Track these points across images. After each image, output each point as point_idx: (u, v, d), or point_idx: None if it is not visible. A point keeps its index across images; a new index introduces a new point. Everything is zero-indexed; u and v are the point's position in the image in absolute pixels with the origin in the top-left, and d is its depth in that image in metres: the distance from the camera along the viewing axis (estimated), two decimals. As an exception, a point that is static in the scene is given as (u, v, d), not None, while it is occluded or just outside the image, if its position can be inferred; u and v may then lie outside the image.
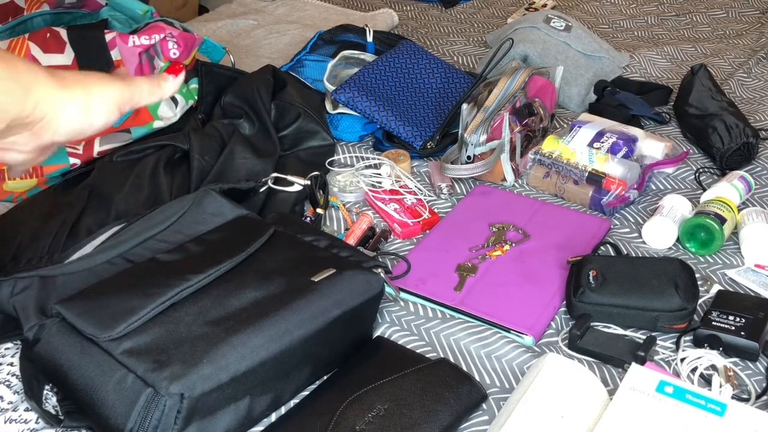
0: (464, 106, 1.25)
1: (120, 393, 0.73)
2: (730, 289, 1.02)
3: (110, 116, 0.63)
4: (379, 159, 1.26)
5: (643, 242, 1.12)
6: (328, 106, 1.40)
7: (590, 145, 1.23)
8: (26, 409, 0.81)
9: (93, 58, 1.23)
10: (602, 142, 1.24)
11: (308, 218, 1.15)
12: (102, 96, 0.62)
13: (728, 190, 1.16)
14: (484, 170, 1.21)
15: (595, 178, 1.18)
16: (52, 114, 0.58)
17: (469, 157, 1.22)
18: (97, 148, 1.22)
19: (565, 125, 1.40)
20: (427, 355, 0.91)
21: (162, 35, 1.25)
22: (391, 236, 1.14)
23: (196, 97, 1.34)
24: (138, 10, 1.32)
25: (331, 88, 1.38)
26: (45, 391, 0.83)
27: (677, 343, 0.93)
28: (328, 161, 1.29)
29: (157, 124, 1.28)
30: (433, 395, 0.82)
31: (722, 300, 0.95)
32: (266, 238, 0.93)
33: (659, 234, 1.10)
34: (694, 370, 0.89)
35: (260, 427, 0.82)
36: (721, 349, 0.90)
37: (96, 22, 1.32)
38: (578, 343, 0.92)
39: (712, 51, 1.73)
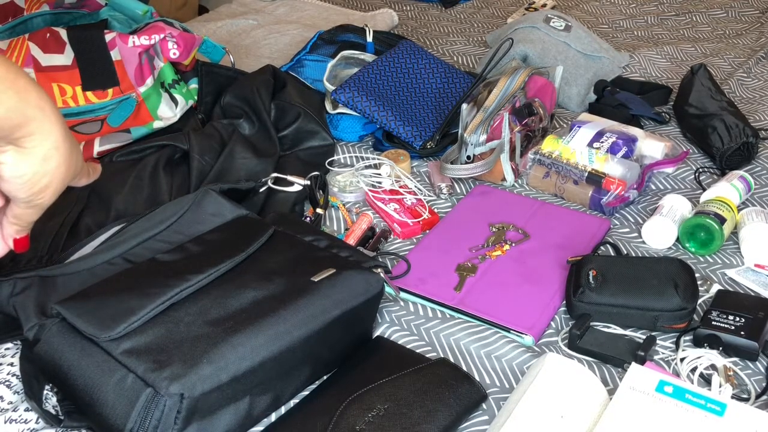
0: (464, 106, 1.25)
1: (120, 393, 0.73)
2: (730, 289, 1.02)
3: (68, 172, 0.60)
4: (378, 159, 1.26)
5: (643, 242, 1.12)
6: (328, 106, 1.40)
7: (590, 144, 1.23)
8: (26, 409, 0.81)
9: (93, 58, 1.23)
10: (602, 142, 1.24)
11: (308, 218, 1.15)
12: (75, 145, 0.61)
13: (728, 189, 1.16)
14: (483, 170, 1.21)
15: (595, 178, 1.18)
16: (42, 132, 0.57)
17: (468, 157, 1.22)
18: (97, 148, 1.22)
19: (565, 125, 1.41)
20: (427, 355, 0.91)
21: (162, 35, 1.25)
22: (391, 236, 1.14)
23: (195, 98, 1.34)
24: (138, 10, 1.32)
25: (330, 88, 1.38)
26: (45, 391, 0.83)
27: (677, 343, 0.93)
28: (327, 161, 1.29)
29: (157, 124, 1.28)
30: (432, 395, 0.82)
31: (722, 300, 0.95)
32: (266, 238, 0.93)
33: (659, 234, 1.10)
34: (693, 369, 0.89)
35: (260, 427, 0.82)
36: (720, 348, 0.90)
37: (96, 23, 1.32)
38: (578, 342, 0.92)
39: (711, 51, 1.73)
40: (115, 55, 1.23)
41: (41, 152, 0.58)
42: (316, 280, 0.86)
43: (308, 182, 1.18)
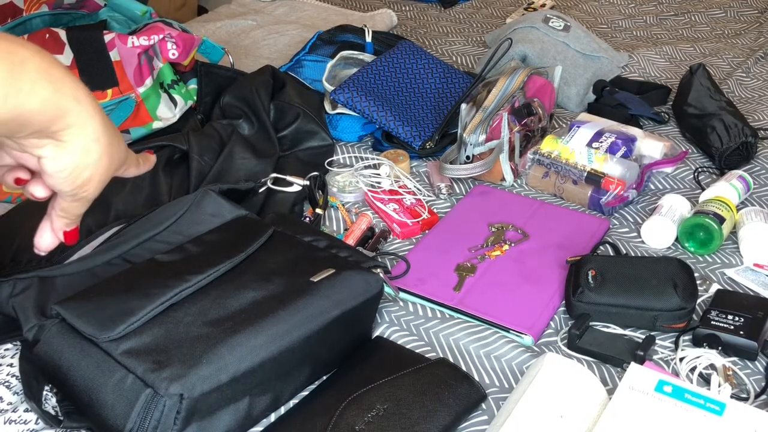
0: (463, 105, 1.25)
1: (119, 393, 0.73)
2: (729, 289, 1.02)
3: (111, 164, 0.60)
4: (378, 159, 1.26)
5: (642, 242, 1.12)
6: (327, 107, 1.40)
7: (589, 144, 1.23)
8: (26, 410, 0.81)
9: (92, 59, 1.23)
10: (601, 142, 1.24)
11: (307, 218, 1.15)
12: (116, 135, 0.60)
13: (727, 189, 1.16)
14: (483, 170, 1.21)
15: (594, 178, 1.18)
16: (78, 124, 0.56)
17: (468, 157, 1.23)
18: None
19: (564, 125, 1.41)
20: (427, 355, 0.91)
21: (161, 36, 1.25)
22: (391, 236, 1.14)
23: (195, 98, 1.34)
24: (137, 11, 1.32)
25: (330, 88, 1.38)
26: (45, 392, 0.83)
27: (676, 343, 0.93)
28: (327, 161, 1.29)
29: (156, 125, 1.28)
30: (432, 395, 0.82)
31: (721, 299, 0.96)
32: (265, 238, 0.93)
33: (658, 233, 1.10)
34: (693, 369, 0.89)
35: (260, 427, 0.82)
36: (720, 348, 0.90)
37: (95, 23, 1.32)
38: (577, 342, 0.92)
39: (710, 50, 1.74)
40: (114, 55, 1.23)
41: (80, 145, 0.57)
42: (315, 280, 0.86)
43: (307, 182, 1.18)
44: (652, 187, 1.26)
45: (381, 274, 0.92)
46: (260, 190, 1.15)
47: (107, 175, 0.60)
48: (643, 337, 0.92)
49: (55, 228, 0.63)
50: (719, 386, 0.84)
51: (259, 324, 0.79)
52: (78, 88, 0.56)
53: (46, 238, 0.64)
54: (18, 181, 0.62)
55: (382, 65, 1.40)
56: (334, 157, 1.32)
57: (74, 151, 0.57)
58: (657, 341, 0.93)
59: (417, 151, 1.32)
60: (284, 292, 0.84)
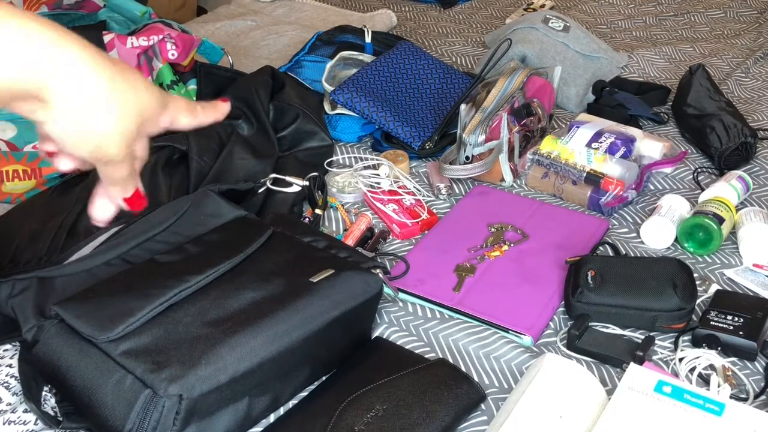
0: (462, 106, 1.25)
1: (118, 394, 0.73)
2: (729, 289, 1.02)
3: (126, 117, 0.52)
4: (377, 159, 1.26)
5: (642, 242, 1.12)
6: (327, 107, 1.40)
7: (588, 145, 1.23)
8: (25, 411, 0.81)
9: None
10: (600, 143, 1.24)
11: (307, 219, 1.15)
12: (129, 84, 0.52)
13: (726, 190, 1.16)
14: (482, 170, 1.21)
15: (594, 178, 1.18)
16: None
17: (467, 158, 1.22)
18: (96, 149, 1.22)
19: (564, 125, 1.41)
20: (426, 356, 0.91)
21: (160, 36, 1.25)
22: (390, 237, 1.14)
23: (194, 98, 1.34)
24: (136, 11, 1.32)
25: (329, 88, 1.38)
26: (44, 393, 0.83)
27: (675, 343, 0.93)
28: (326, 162, 1.29)
29: (156, 125, 1.28)
30: (431, 396, 0.82)
31: (720, 300, 0.96)
32: (265, 238, 0.93)
33: (657, 234, 1.10)
34: (692, 369, 0.89)
35: (259, 428, 0.82)
36: (719, 348, 0.91)
37: (94, 24, 1.32)
38: (577, 343, 0.92)
39: (710, 51, 1.74)
40: (113, 56, 1.23)
41: (70, 100, 0.49)
42: (314, 280, 0.86)
43: (307, 183, 1.17)
44: (652, 187, 1.26)
45: (380, 275, 0.92)
46: (259, 191, 1.15)
47: (127, 130, 0.53)
48: (643, 337, 0.92)
49: (112, 197, 0.58)
50: (718, 386, 0.84)
51: (258, 324, 0.79)
52: (47, 32, 0.48)
53: (102, 208, 0.59)
54: (49, 154, 0.57)
55: (382, 66, 1.40)
56: (334, 158, 1.32)
57: (66, 109, 0.49)
58: (656, 341, 0.93)
59: (416, 152, 1.32)
60: (284, 293, 0.84)
